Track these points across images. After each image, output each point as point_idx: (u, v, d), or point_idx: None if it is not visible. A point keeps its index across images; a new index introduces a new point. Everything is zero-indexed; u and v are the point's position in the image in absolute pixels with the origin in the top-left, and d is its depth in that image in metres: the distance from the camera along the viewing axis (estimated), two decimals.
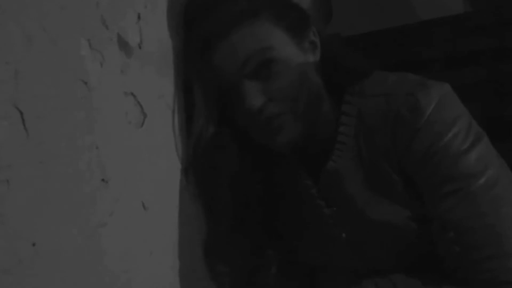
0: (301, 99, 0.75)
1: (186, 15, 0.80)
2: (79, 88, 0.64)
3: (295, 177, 0.85)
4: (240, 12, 0.73)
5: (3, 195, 0.51)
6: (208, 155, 0.77)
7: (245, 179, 0.80)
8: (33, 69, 0.58)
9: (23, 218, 0.53)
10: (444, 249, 0.75)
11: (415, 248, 0.80)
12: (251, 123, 0.76)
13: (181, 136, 0.80)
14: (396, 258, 0.82)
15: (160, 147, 0.76)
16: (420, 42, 1.41)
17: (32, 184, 0.55)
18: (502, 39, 1.29)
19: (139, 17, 0.75)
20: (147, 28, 0.76)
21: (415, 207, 0.77)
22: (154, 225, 0.73)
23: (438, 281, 0.76)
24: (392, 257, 0.82)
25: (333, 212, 0.83)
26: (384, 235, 0.80)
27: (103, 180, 0.64)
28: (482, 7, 1.53)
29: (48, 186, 0.57)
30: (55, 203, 0.57)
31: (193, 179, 0.79)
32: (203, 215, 0.81)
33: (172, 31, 0.81)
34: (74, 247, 0.59)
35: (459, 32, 1.36)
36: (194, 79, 0.78)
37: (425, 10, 1.61)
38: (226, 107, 0.78)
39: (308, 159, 0.84)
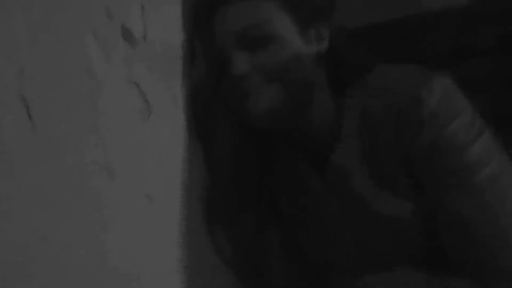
0: (287, 80, 0.75)
1: None
2: (85, 80, 0.63)
3: (301, 172, 0.85)
4: None
5: (11, 189, 0.51)
6: (206, 113, 0.80)
7: (243, 149, 0.82)
8: (38, 62, 0.57)
9: (30, 212, 0.53)
10: (449, 242, 0.75)
11: (421, 242, 0.80)
12: (233, 90, 0.76)
13: (186, 127, 0.80)
14: (402, 252, 0.82)
15: (166, 139, 0.76)
16: (425, 34, 1.40)
17: (38, 178, 0.55)
18: (508, 29, 1.28)
19: (143, 9, 0.74)
20: (152, 19, 0.75)
21: (420, 201, 0.77)
22: (160, 218, 0.73)
23: (445, 275, 0.76)
24: (398, 251, 0.82)
25: (338, 206, 0.83)
26: (390, 229, 0.80)
27: (109, 172, 0.64)
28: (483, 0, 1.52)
29: (55, 180, 0.57)
30: (62, 196, 0.57)
31: (194, 133, 0.81)
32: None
33: (177, 22, 0.81)
34: (81, 241, 0.59)
35: (465, 23, 1.35)
36: (195, 36, 0.79)
37: (430, 1, 1.60)
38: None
39: (313, 155, 0.84)
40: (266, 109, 0.75)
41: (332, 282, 0.90)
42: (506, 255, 0.70)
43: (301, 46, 0.76)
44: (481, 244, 0.71)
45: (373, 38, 1.38)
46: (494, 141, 0.75)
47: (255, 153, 0.84)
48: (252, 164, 0.84)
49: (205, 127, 0.82)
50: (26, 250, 0.51)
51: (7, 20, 0.54)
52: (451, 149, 0.72)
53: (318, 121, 0.80)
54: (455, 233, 0.74)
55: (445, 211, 0.74)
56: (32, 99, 0.55)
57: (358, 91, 0.79)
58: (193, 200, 0.80)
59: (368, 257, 0.84)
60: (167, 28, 0.79)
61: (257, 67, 0.74)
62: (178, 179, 0.78)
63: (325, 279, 0.90)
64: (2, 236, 0.49)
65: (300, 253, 0.90)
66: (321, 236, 0.87)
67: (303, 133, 0.81)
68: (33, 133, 0.54)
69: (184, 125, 0.80)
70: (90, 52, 0.65)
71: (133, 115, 0.70)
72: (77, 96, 0.62)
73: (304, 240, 0.89)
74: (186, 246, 0.77)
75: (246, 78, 0.75)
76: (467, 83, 0.76)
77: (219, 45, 0.76)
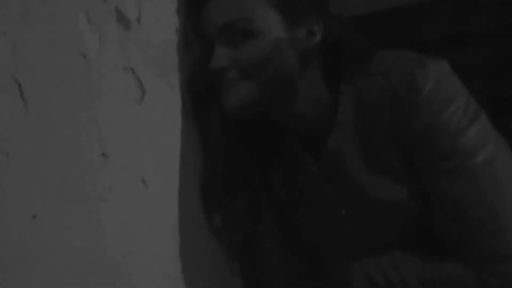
0: (263, 78, 0.76)
1: None
2: (78, 61, 0.63)
3: (296, 155, 0.85)
4: None
5: (3, 167, 0.51)
6: (200, 97, 0.82)
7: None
8: (31, 41, 0.57)
9: (22, 190, 0.53)
10: (443, 226, 0.76)
11: (415, 226, 0.81)
12: (212, 80, 0.78)
13: (180, 110, 0.80)
14: (396, 236, 0.82)
15: (160, 122, 0.76)
16: (421, 23, 1.40)
17: (31, 157, 0.55)
18: (502, 19, 1.28)
19: None
20: (146, 3, 0.75)
21: (414, 185, 0.78)
22: (154, 201, 0.73)
23: (439, 258, 0.76)
24: (392, 235, 0.82)
25: (333, 189, 0.83)
26: (384, 213, 0.80)
27: (103, 154, 0.64)
28: None
29: (48, 159, 0.57)
30: (55, 176, 0.57)
31: (191, 117, 0.83)
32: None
33: (171, 5, 0.80)
34: (73, 221, 0.59)
35: (460, 12, 1.35)
36: (189, 24, 0.81)
37: None
38: None
39: (307, 140, 0.84)
40: (238, 104, 0.77)
41: (327, 264, 0.91)
42: (499, 238, 0.71)
43: (286, 44, 0.76)
44: (474, 227, 0.72)
45: (368, 27, 1.38)
46: (489, 126, 0.75)
47: (246, 137, 0.85)
48: (244, 148, 0.85)
49: (200, 111, 0.83)
50: (17, 227, 0.51)
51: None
52: (445, 133, 0.72)
53: (307, 111, 0.81)
54: (448, 217, 0.74)
55: (439, 195, 0.74)
56: (25, 78, 0.55)
57: (355, 77, 0.79)
58: (188, 184, 0.80)
59: (362, 239, 0.84)
60: (161, 10, 0.79)
61: (235, 62, 0.76)
62: (172, 163, 0.78)
63: (320, 262, 0.91)
64: None
65: (295, 235, 0.91)
66: (315, 218, 0.87)
67: (293, 122, 0.82)
68: (25, 112, 0.54)
69: (179, 109, 0.80)
70: (84, 33, 0.65)
71: (127, 98, 0.70)
72: (71, 76, 0.61)
73: (298, 222, 0.90)
74: (180, 229, 0.77)
75: (223, 72, 0.76)
76: (462, 70, 0.76)
77: (207, 37, 0.78)
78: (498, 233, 0.71)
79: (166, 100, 0.78)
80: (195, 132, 0.83)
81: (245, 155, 0.85)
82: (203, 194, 0.83)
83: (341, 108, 0.80)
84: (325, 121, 0.81)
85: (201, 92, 0.82)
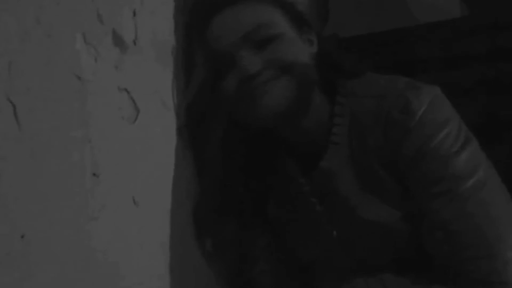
0: (297, 72, 0.76)
1: None
2: (73, 82, 0.64)
3: (289, 175, 0.86)
4: None
5: None
6: (201, 119, 0.81)
7: (233, 151, 0.83)
8: (27, 62, 0.58)
9: (13, 210, 0.53)
10: (433, 248, 0.76)
11: (405, 247, 0.81)
12: (239, 91, 0.76)
13: (173, 131, 0.81)
14: (387, 256, 0.82)
15: (152, 143, 0.77)
16: (417, 44, 1.41)
17: (23, 176, 0.55)
18: (497, 42, 1.30)
19: (134, 14, 0.76)
20: (143, 24, 0.76)
21: (405, 207, 0.78)
22: (144, 220, 0.73)
23: (428, 281, 0.76)
24: (382, 255, 0.83)
25: (325, 209, 0.83)
26: (375, 234, 0.80)
27: (94, 174, 0.65)
28: (478, 11, 1.54)
29: (40, 179, 0.57)
30: (46, 196, 0.58)
31: (187, 139, 0.82)
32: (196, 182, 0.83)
33: (168, 28, 0.82)
34: (64, 240, 0.59)
35: (456, 34, 1.37)
36: (196, 41, 0.80)
37: (423, 13, 1.62)
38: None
39: (302, 159, 0.85)
40: (275, 105, 0.75)
41: (318, 283, 0.91)
42: (486, 264, 0.71)
43: (301, 44, 0.79)
44: (462, 252, 0.72)
45: (365, 48, 1.40)
46: (479, 151, 0.76)
47: (243, 159, 0.85)
48: (240, 169, 0.84)
49: (199, 133, 0.83)
50: (7, 247, 0.52)
51: None
52: (437, 158, 0.73)
53: (313, 125, 0.81)
54: (438, 240, 0.74)
55: (430, 218, 0.75)
56: (19, 99, 0.56)
57: (347, 98, 0.80)
58: (179, 204, 0.80)
59: (353, 260, 0.84)
60: (157, 32, 0.80)
61: (267, 64, 0.75)
62: (163, 182, 0.78)
63: (311, 281, 0.91)
64: None
65: (288, 255, 0.91)
66: (307, 238, 0.87)
67: (298, 135, 0.82)
68: (19, 132, 0.55)
69: (173, 129, 0.81)
70: (80, 54, 0.66)
71: (120, 118, 0.71)
72: (65, 97, 0.62)
73: (290, 242, 0.90)
74: (170, 248, 0.77)
75: (259, 74, 0.74)
76: (457, 92, 0.77)
77: (223, 46, 0.76)
78: (486, 258, 0.71)
79: (159, 120, 0.79)
80: (188, 153, 0.84)
81: (241, 178, 0.85)
82: (195, 217, 0.83)
83: (335, 129, 0.80)
84: (320, 140, 0.82)
85: (204, 113, 0.82)
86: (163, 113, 0.80)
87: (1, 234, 0.52)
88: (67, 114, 0.63)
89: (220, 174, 0.83)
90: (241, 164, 0.85)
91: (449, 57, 1.34)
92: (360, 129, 0.79)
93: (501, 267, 0.70)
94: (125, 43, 0.73)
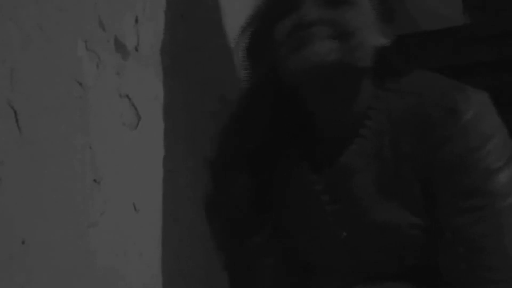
0: (350, 45, 0.71)
1: None
2: (75, 88, 0.64)
3: (300, 173, 0.83)
4: None
5: None
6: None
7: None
8: (29, 69, 0.58)
9: (14, 215, 0.54)
10: (449, 264, 0.72)
11: (414, 256, 0.78)
12: (292, 34, 0.71)
13: (174, 138, 0.81)
14: (394, 264, 0.79)
15: (153, 149, 0.77)
16: (420, 53, 1.41)
17: (24, 182, 0.55)
18: (500, 51, 1.29)
19: (136, 20, 0.76)
20: (145, 31, 0.77)
21: (423, 216, 0.74)
22: (144, 226, 0.73)
23: None
24: (389, 262, 0.80)
25: (335, 209, 0.81)
26: (385, 239, 0.77)
27: (95, 180, 0.65)
28: (481, 20, 1.53)
29: (40, 185, 0.57)
30: (47, 201, 0.58)
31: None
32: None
33: (170, 35, 0.82)
34: (64, 246, 0.60)
35: (459, 43, 1.36)
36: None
37: (426, 21, 1.61)
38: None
39: (315, 154, 0.82)
40: (317, 58, 0.70)
41: (321, 285, 0.89)
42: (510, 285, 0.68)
43: (372, 27, 0.73)
44: (483, 273, 0.68)
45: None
46: None
47: (267, 120, 0.80)
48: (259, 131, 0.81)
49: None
50: (8, 252, 0.52)
51: None
52: (476, 172, 0.68)
53: (348, 110, 0.77)
54: (458, 257, 0.71)
55: (454, 232, 0.71)
56: (21, 105, 0.56)
57: (388, 92, 0.76)
58: (179, 210, 0.80)
59: (359, 264, 0.82)
60: (159, 38, 0.80)
61: (331, 21, 0.70)
62: (164, 189, 0.78)
63: (314, 282, 0.89)
64: None
65: (293, 253, 0.89)
66: (314, 238, 0.85)
67: (330, 113, 0.77)
68: (20, 138, 0.55)
69: (173, 135, 0.81)
70: (81, 61, 0.66)
71: (121, 125, 0.71)
72: (66, 103, 0.63)
73: (297, 241, 0.88)
74: (169, 254, 0.77)
75: (315, 26, 0.70)
76: None
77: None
78: (505, 283, 0.69)
79: (161, 126, 0.79)
80: (188, 158, 0.83)
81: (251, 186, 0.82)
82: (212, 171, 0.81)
83: (368, 123, 0.77)
84: (348, 131, 0.79)
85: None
86: (164, 119, 0.80)
87: (1, 239, 0.52)
88: (68, 120, 0.63)
89: (239, 129, 0.80)
90: (264, 125, 0.80)
91: (452, 66, 1.33)
92: (395, 127, 0.74)
93: None
94: (127, 50, 0.74)
